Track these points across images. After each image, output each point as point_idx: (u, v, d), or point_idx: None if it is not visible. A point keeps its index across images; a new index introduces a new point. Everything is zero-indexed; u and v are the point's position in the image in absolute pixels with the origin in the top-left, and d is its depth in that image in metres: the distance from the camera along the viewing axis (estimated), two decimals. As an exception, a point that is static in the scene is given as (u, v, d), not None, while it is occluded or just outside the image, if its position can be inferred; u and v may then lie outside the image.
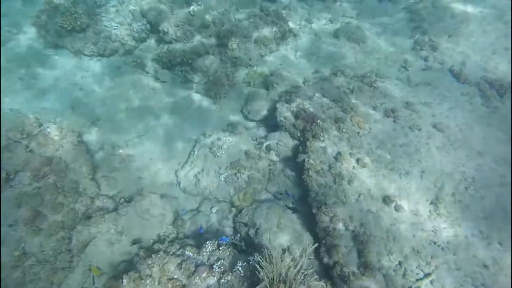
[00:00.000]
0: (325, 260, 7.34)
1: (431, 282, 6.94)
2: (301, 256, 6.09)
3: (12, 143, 7.03)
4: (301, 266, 5.47)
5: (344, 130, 9.19)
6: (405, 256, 7.22)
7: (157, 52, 11.84)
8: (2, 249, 6.07)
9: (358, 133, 9.25)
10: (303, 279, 5.28)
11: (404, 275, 6.97)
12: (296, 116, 9.39)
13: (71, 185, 7.28)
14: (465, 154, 9.23)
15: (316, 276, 5.33)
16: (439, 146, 9.27)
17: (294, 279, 5.36)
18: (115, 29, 11.74)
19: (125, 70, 11.44)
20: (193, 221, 8.09)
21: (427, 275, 7.02)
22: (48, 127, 7.82)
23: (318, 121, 9.10)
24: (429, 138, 9.41)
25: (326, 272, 7.28)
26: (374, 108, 10.03)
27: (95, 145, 9.22)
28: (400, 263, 7.14)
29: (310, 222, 8.00)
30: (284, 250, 7.18)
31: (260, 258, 5.64)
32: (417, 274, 7.04)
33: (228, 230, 8.14)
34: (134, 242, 6.99)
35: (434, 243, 7.46)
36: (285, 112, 9.59)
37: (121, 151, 9.37)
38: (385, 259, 7.21)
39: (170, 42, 12.24)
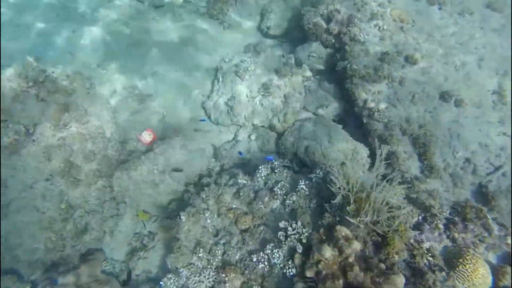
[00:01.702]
0: (383, 170, 6.81)
1: (504, 174, 6.42)
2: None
3: (21, 93, 6.12)
4: (378, 174, 4.86)
5: (385, 27, 7.91)
6: (472, 152, 6.61)
7: (148, -27, 10.03)
8: (47, 204, 5.62)
9: (401, 27, 7.98)
10: (381, 184, 4.70)
11: (474, 171, 6.44)
12: (328, 19, 8.05)
13: (96, 131, 6.54)
14: (528, 31, 8.00)
15: (399, 181, 4.73)
16: (496, 29, 8.01)
17: (371, 187, 4.80)
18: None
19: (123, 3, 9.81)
20: (233, 151, 7.47)
21: (498, 168, 6.48)
22: (53, 72, 6.79)
23: (356, 21, 7.78)
24: (484, 21, 8.11)
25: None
26: (415, -3, 8.54)
27: (108, 88, 8.24)
28: (467, 159, 6.56)
29: (361, 134, 7.33)
30: (340, 164, 6.65)
31: (330, 169, 5.04)
32: (487, 168, 6.50)
33: (272, 155, 7.55)
34: (179, 179, 6.46)
35: (503, 133, 6.77)
36: (313, 18, 8.22)
37: (136, 91, 8.41)
38: (450, 158, 6.63)
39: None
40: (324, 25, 8.17)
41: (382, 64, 7.41)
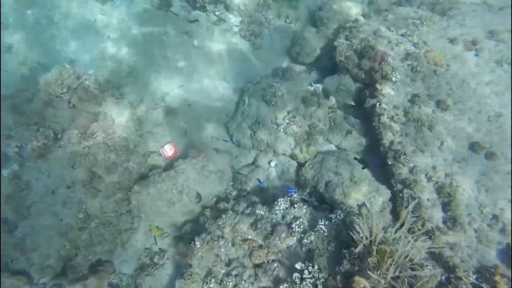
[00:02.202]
0: (408, 215, 6.61)
1: (532, 237, 6.12)
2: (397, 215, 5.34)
3: (54, 99, 6.28)
4: (401, 226, 4.71)
5: (418, 68, 7.81)
6: (501, 209, 6.35)
7: (188, -10, 10.30)
8: (66, 211, 5.67)
9: (435, 71, 7.86)
10: (405, 239, 4.55)
11: (501, 230, 6.17)
12: (361, 54, 8.02)
13: (121, 143, 6.62)
14: None
15: (423, 235, 4.57)
16: (534, 82, 7.80)
17: (394, 239, 4.64)
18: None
19: (152, 14, 10.07)
20: (251, 176, 7.41)
21: (526, 228, 6.18)
22: (86, 79, 6.96)
23: (389, 59, 7.73)
24: (521, 73, 7.91)
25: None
26: (451, 41, 8.44)
27: (134, 98, 8.38)
28: (495, 216, 6.31)
29: (383, 175, 7.17)
30: (360, 206, 6.51)
31: (354, 217, 4.91)
32: (515, 227, 6.21)
33: (291, 185, 7.45)
34: (197, 200, 6.43)
35: (534, 193, 6.49)
36: (346, 51, 8.22)
37: (163, 104, 8.53)
38: (476, 212, 6.39)
39: (200, -23, 10.60)
40: (356, 60, 8.14)
41: (413, 106, 7.30)
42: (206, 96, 8.86)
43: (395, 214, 6.70)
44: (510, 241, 5.80)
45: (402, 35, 8.53)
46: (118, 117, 7.08)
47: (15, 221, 5.68)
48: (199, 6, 10.30)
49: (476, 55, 8.33)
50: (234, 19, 10.38)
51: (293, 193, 6.17)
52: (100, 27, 9.56)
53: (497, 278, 4.44)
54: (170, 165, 7.00)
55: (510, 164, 6.76)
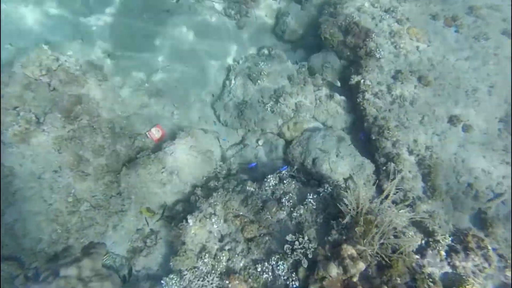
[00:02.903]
0: (386, 186, 6.93)
1: (503, 202, 6.60)
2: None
3: (33, 81, 6.03)
4: (386, 197, 4.98)
5: (401, 45, 7.95)
6: (475, 177, 6.77)
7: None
8: (54, 196, 5.61)
9: (417, 47, 8.03)
10: (390, 209, 4.83)
11: (475, 197, 6.60)
12: (346, 31, 8.05)
13: (107, 125, 6.51)
14: (539, 63, 8.12)
15: (404, 205, 4.86)
16: (509, 57, 8.11)
17: (379, 210, 4.91)
18: None
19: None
20: (241, 156, 7.51)
21: (499, 195, 6.65)
22: (66, 60, 6.70)
23: (373, 36, 7.81)
24: (498, 48, 8.19)
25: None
26: (433, 17, 8.58)
27: (118, 80, 8.15)
28: (470, 185, 6.72)
29: (368, 150, 7.42)
30: (346, 180, 6.77)
31: (342, 191, 5.13)
32: (488, 195, 6.66)
33: (278, 163, 7.61)
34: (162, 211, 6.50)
35: (506, 162, 6.93)
36: (331, 28, 8.21)
37: (147, 84, 8.34)
38: (453, 182, 6.78)
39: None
40: (341, 37, 8.17)
41: (395, 83, 7.48)
42: (191, 76, 8.71)
43: (379, 186, 7.03)
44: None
45: (385, 11, 8.58)
46: (102, 100, 6.91)
47: (0, 208, 5.58)
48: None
49: (456, 31, 8.53)
50: (217, -4, 10.08)
51: (286, 170, 6.31)
52: (76, 6, 9.07)
53: (469, 238, 4.81)
54: (158, 147, 6.97)
55: (484, 136, 7.14)
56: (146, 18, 9.27)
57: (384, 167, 7.02)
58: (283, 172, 6.37)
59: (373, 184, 6.89)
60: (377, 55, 7.70)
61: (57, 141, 5.84)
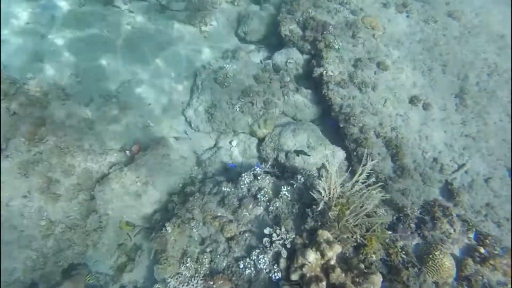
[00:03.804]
0: (365, 170, 7.18)
1: (466, 172, 6.99)
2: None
3: (-10, 107, 5.88)
4: (356, 181, 5.18)
5: (358, 34, 8.28)
6: (439, 152, 7.14)
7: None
8: (25, 222, 5.47)
9: (373, 35, 8.39)
10: (358, 189, 5.03)
11: (440, 170, 6.95)
12: (304, 26, 8.31)
13: (75, 144, 6.41)
14: (485, 39, 8.68)
15: (376, 185, 5.08)
16: (457, 36, 8.63)
17: (351, 193, 5.11)
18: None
19: (90, 8, 9.54)
20: (215, 158, 7.57)
21: (461, 166, 7.04)
22: (25, 83, 6.56)
23: (330, 28, 8.10)
24: (446, 29, 8.71)
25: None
26: (385, 5, 9.00)
27: (83, 97, 8.03)
28: (435, 159, 7.07)
29: (337, 138, 7.66)
30: (319, 169, 6.96)
31: (315, 180, 5.28)
32: (452, 167, 7.05)
33: (253, 161, 7.73)
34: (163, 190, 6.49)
35: (465, 134, 7.35)
36: (290, 25, 8.45)
37: (114, 99, 8.27)
38: (420, 159, 7.12)
39: (133, -37, 10.14)
40: (300, 32, 8.43)
41: (356, 71, 7.78)
42: (159, 86, 8.70)
43: (352, 172, 7.27)
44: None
45: (340, 3, 8.92)
46: (67, 119, 6.80)
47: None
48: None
49: (407, 16, 8.98)
50: (177, 5, 10.13)
51: (260, 167, 6.42)
52: (30, 25, 8.88)
53: (435, 209, 5.08)
54: (130, 160, 6.92)
55: (443, 112, 7.54)
56: (106, 33, 9.22)
57: (355, 153, 7.28)
58: (257, 169, 6.47)
59: (346, 171, 7.16)
60: (336, 46, 7.99)
61: (23, 165, 5.70)
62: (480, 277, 4.57)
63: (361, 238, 4.85)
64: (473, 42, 8.54)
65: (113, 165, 6.96)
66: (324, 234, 4.88)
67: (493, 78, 8.06)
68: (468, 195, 6.72)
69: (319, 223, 5.15)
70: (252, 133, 7.88)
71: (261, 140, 7.77)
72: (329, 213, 4.90)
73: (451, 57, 8.23)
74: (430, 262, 4.59)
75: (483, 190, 6.78)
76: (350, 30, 8.36)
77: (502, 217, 6.63)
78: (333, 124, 7.69)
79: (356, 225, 5.02)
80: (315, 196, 5.15)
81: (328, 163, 6.37)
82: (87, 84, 8.34)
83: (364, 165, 5.31)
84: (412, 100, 7.59)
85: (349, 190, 5.22)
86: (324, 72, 7.74)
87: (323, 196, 5.02)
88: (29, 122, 6.03)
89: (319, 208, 5.11)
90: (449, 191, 6.82)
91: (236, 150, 7.83)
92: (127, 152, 7.27)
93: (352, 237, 4.93)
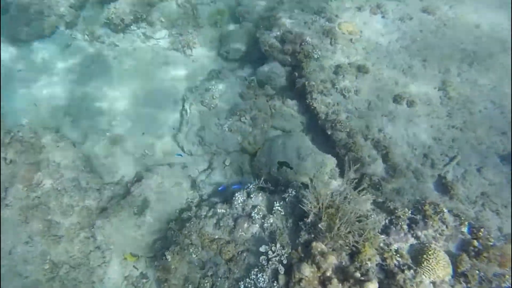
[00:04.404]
0: (352, 176, 7.24)
1: (458, 164, 7.01)
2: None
3: (-13, 159, 6.13)
4: (344, 188, 5.28)
5: (336, 41, 8.46)
6: (429, 147, 7.18)
7: (105, 15, 10.20)
8: (29, 267, 5.63)
9: (351, 39, 8.56)
10: (348, 197, 5.11)
11: (432, 165, 6.99)
12: (282, 40, 8.51)
13: (71, 184, 6.61)
14: (462, 30, 8.79)
15: (363, 192, 5.17)
16: (433, 30, 8.76)
17: (341, 201, 5.19)
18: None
19: (76, 46, 9.92)
20: (210, 180, 7.70)
21: (452, 158, 7.06)
22: (19, 131, 6.82)
23: (307, 39, 8.29)
24: (422, 25, 8.84)
25: (356, 187, 7.23)
26: (359, 9, 9.18)
27: (77, 136, 8.29)
28: (425, 155, 7.12)
29: (327, 145, 7.76)
30: (311, 179, 7.04)
31: (303, 192, 5.38)
32: (443, 160, 7.07)
33: (248, 177, 7.84)
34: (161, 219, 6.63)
35: (452, 126, 7.40)
36: (269, 40, 8.67)
37: (108, 134, 8.51)
38: (410, 156, 7.17)
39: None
40: (279, 46, 8.63)
41: (337, 77, 7.92)
42: (150, 115, 8.92)
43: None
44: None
45: (315, 13, 9.13)
46: (62, 160, 7.02)
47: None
48: (121, 28, 10.26)
49: (382, 17, 9.14)
50: (160, 34, 10.44)
51: (240, 188, 6.53)
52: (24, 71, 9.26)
53: (426, 207, 5.13)
54: (126, 192, 7.10)
55: (428, 107, 7.62)
56: (93, 67, 9.55)
57: (346, 158, 7.36)
58: (249, 187, 6.58)
59: (339, 176, 7.23)
60: (315, 56, 8.16)
61: (23, 212, 5.90)
62: (477, 271, 4.58)
63: (355, 246, 4.91)
64: (450, 35, 8.64)
65: (111, 198, 7.15)
66: (318, 246, 4.96)
67: (474, 68, 8.13)
68: (463, 187, 6.72)
69: (312, 235, 5.23)
70: (244, 150, 8.02)
71: (253, 156, 7.91)
72: (319, 225, 4.98)
73: (430, 52, 8.33)
74: (425, 263, 4.62)
75: (477, 180, 6.78)
76: (328, 37, 8.53)
77: (499, 204, 6.61)
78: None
79: (349, 232, 5.08)
80: (304, 208, 5.24)
81: (314, 175, 6.51)
82: (81, 121, 8.60)
83: (349, 171, 5.41)
84: (396, 99, 7.68)
85: (338, 198, 5.30)
86: (306, 82, 7.89)
87: (312, 208, 5.11)
88: (25, 168, 6.26)
89: (309, 220, 5.20)
90: (443, 185, 6.83)
91: (229, 169, 7.97)
92: (128, 185, 7.47)
93: (346, 245, 5.00)
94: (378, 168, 7.17)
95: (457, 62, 8.18)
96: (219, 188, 7.31)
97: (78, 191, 6.60)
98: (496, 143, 7.19)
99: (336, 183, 6.90)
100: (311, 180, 6.48)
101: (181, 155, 8.07)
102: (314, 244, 4.96)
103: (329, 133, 7.56)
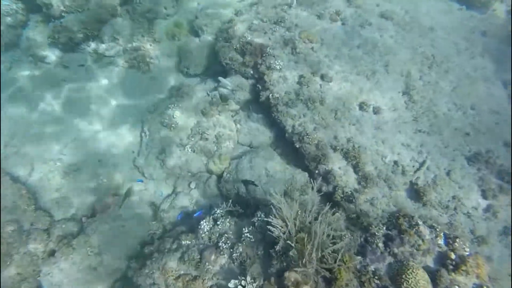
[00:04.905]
0: (324, 189, 6.94)
1: (428, 169, 6.92)
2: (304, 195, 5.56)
3: None
4: (312, 206, 4.92)
5: (297, 50, 8.24)
6: (398, 153, 7.05)
7: (50, 33, 9.40)
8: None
9: (312, 48, 8.37)
10: (319, 219, 4.75)
11: (403, 172, 6.84)
12: (243, 52, 8.17)
13: (10, 228, 5.77)
14: (418, 34, 8.90)
15: (329, 210, 4.83)
16: (393, 35, 8.80)
17: (310, 223, 4.82)
18: (-23, 20, 8.94)
19: (19, 69, 9.02)
20: (175, 206, 7.11)
21: (422, 164, 6.97)
22: None
23: (268, 50, 8.00)
24: (381, 29, 8.86)
25: (329, 200, 6.92)
26: (319, 17, 9.07)
27: (23, 169, 7.42)
28: (395, 162, 6.97)
29: (297, 159, 7.44)
30: (281, 196, 6.65)
31: (268, 217, 4.95)
32: (413, 166, 6.96)
33: (216, 200, 7.32)
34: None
35: (419, 130, 7.35)
36: (228, 53, 8.30)
37: (58, 163, 7.70)
38: (380, 164, 6.99)
39: (61, 16, 9.76)
40: (240, 59, 8.28)
41: (302, 88, 7.67)
42: (106, 139, 8.21)
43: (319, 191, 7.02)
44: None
45: (275, 23, 8.89)
46: (2, 199, 6.16)
47: None
48: (72, 47, 9.51)
49: (342, 24, 9.08)
50: (113, 50, 9.77)
51: (201, 214, 6.02)
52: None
53: (400, 220, 4.88)
54: (79, 229, 6.34)
55: (394, 112, 7.54)
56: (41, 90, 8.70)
57: (316, 171, 7.07)
58: (217, 211, 6.07)
59: (312, 190, 6.90)
60: (278, 67, 7.88)
61: None
62: (457, 287, 4.35)
63: (329, 272, 4.53)
64: (409, 38, 8.72)
65: (62, 238, 6.35)
66: (291, 276, 4.54)
67: (434, 70, 8.20)
68: (435, 192, 6.61)
69: (285, 264, 4.80)
70: (209, 171, 7.51)
71: (220, 176, 7.42)
72: (290, 253, 4.56)
73: (391, 57, 8.32)
74: (404, 284, 4.33)
75: (447, 184, 6.71)
76: (288, 47, 8.30)
77: (469, 207, 6.56)
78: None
79: (323, 257, 4.71)
80: (273, 235, 4.81)
81: (291, 190, 6.11)
82: (25, 153, 7.73)
83: (313, 187, 5.08)
84: (362, 107, 7.53)
85: (308, 219, 4.93)
86: (270, 95, 7.57)
87: (281, 234, 4.70)
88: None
89: (279, 248, 4.77)
90: (415, 192, 6.70)
91: (195, 192, 7.42)
92: (83, 219, 6.72)
93: (322, 271, 4.61)
94: (349, 179, 6.92)
95: (417, 65, 8.23)
96: (196, 214, 6.68)
97: (18, 235, 5.76)
98: (462, 145, 7.20)
99: (308, 198, 6.56)
100: (279, 202, 6.07)
101: (141, 181, 7.41)
102: (287, 274, 4.54)
103: (297, 146, 7.25)
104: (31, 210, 6.35)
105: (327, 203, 5.15)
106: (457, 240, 4.77)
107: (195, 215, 6.63)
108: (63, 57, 9.58)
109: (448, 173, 6.84)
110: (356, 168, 6.96)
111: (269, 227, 4.77)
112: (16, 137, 7.97)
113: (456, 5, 10.29)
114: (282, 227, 4.76)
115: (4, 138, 7.84)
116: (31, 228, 6.07)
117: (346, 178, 6.90)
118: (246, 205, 6.72)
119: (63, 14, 9.67)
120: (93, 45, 9.66)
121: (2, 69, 8.92)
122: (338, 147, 7.10)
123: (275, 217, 4.83)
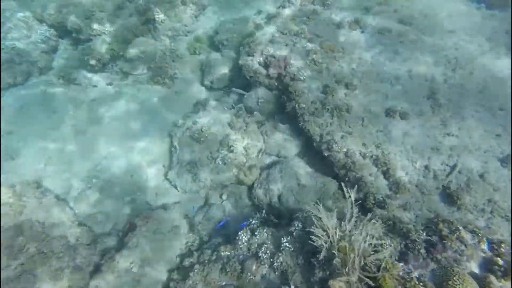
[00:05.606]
0: (355, 196, 6.99)
1: (460, 172, 6.89)
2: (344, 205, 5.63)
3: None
4: (351, 216, 4.99)
5: (320, 60, 8.40)
6: (428, 158, 7.05)
7: (79, 56, 9.90)
8: None
9: (334, 57, 8.52)
10: (359, 228, 4.82)
11: (434, 176, 6.83)
12: (266, 65, 8.39)
13: (59, 243, 6.06)
14: (439, 37, 8.92)
15: (370, 219, 4.90)
16: (413, 39, 8.86)
17: (350, 231, 4.89)
18: (13, 48, 9.50)
19: (54, 92, 9.48)
20: (209, 217, 7.28)
21: (453, 167, 6.94)
22: (-6, 191, 6.29)
23: (291, 61, 8.19)
24: (401, 36, 8.94)
25: (361, 207, 6.96)
26: (338, 26, 9.24)
27: (61, 187, 7.76)
28: (426, 167, 6.97)
29: (325, 167, 7.52)
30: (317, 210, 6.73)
31: (309, 227, 5.05)
32: (445, 170, 6.94)
33: (248, 210, 7.47)
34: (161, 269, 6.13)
35: (448, 134, 7.33)
36: (252, 66, 8.53)
37: (94, 180, 8.02)
38: (411, 169, 7.00)
39: (89, 40, 10.28)
40: (264, 71, 8.50)
41: (327, 97, 7.80)
42: (136, 155, 8.50)
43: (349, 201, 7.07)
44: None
45: (295, 34, 9.10)
46: (47, 218, 6.48)
47: None
48: (101, 67, 9.97)
49: (362, 32, 9.21)
50: (139, 69, 10.17)
51: (248, 224, 6.17)
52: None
53: (440, 226, 4.89)
54: (120, 244, 6.58)
55: (421, 117, 7.56)
56: (72, 114, 9.12)
57: (346, 178, 7.14)
58: (252, 223, 6.21)
59: (343, 198, 6.95)
60: (301, 78, 8.05)
61: (3, 284, 5.30)
62: (507, 293, 4.32)
63: (372, 281, 4.57)
64: (430, 42, 8.77)
65: (105, 252, 6.60)
66: (335, 284, 4.60)
67: (458, 72, 8.20)
68: (469, 196, 6.57)
69: (327, 272, 4.87)
70: (240, 182, 7.67)
71: (251, 187, 7.57)
72: (333, 261, 4.64)
73: (414, 62, 8.38)
74: (451, 290, 4.32)
75: (481, 187, 6.65)
76: (311, 58, 8.47)
77: (507, 209, 6.47)
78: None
79: (366, 265, 4.76)
80: (315, 244, 4.90)
81: (317, 207, 6.19)
82: (62, 170, 8.09)
83: (349, 196, 5.16)
84: (388, 113, 7.59)
85: (347, 228, 5.00)
86: (296, 105, 7.73)
87: (323, 243, 4.78)
88: (3, 235, 5.70)
89: (322, 257, 4.85)
90: (448, 196, 6.67)
91: (228, 203, 7.58)
92: (120, 234, 6.98)
93: (365, 279, 4.65)
94: (381, 185, 6.95)
95: (441, 68, 8.27)
96: (218, 225, 6.89)
97: (67, 250, 6.04)
98: (493, 147, 7.14)
99: (341, 205, 6.62)
100: (317, 212, 6.15)
101: (194, 207, 7.45)
102: (331, 282, 4.60)
103: (325, 154, 7.34)
104: (76, 226, 6.64)
105: (359, 211, 5.23)
106: (502, 245, 4.74)
107: (217, 226, 6.79)
108: (92, 78, 10.03)
109: (481, 176, 6.78)
110: (386, 174, 6.99)
111: (312, 236, 4.86)
112: (52, 158, 8.31)
113: (474, 4, 10.27)
114: (323, 237, 4.85)
115: (43, 157, 8.22)
116: (77, 243, 6.34)
117: (377, 184, 6.93)
118: (279, 215, 6.83)
119: (91, 37, 10.21)
120: (119, 64, 10.09)
121: (38, 92, 9.37)
122: (367, 154, 7.16)
123: (316, 227, 4.91)
